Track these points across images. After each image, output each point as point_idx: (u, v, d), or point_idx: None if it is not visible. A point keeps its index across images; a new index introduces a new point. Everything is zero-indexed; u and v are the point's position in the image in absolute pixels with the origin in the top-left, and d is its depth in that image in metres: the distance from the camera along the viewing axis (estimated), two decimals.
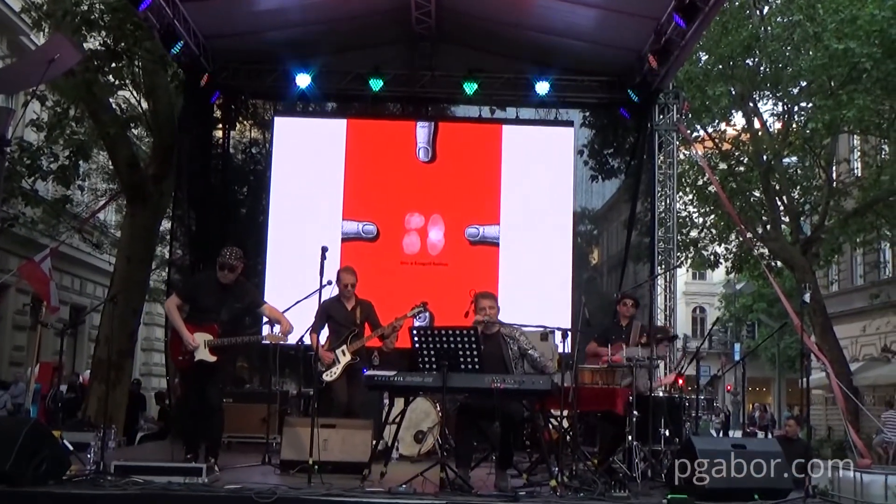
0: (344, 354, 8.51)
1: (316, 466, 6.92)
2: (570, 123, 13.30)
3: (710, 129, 20.54)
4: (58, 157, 14.64)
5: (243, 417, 10.60)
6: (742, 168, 20.87)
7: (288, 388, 12.47)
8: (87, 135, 14.87)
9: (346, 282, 8.66)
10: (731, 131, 21.12)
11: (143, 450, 11.79)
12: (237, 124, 14.30)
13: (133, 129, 15.88)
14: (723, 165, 20.70)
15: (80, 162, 14.99)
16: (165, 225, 16.42)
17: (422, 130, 12.90)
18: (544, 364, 7.47)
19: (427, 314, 10.92)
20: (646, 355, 8.01)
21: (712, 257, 22.40)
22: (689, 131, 16.64)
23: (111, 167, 16.55)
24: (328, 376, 8.42)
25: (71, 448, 7.49)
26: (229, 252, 7.74)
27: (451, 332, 6.94)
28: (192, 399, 7.91)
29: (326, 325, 8.67)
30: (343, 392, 8.46)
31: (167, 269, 14.42)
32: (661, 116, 12.89)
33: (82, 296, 21.51)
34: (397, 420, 8.26)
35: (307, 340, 8.58)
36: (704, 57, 18.95)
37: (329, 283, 8.05)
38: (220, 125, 13.69)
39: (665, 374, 9.01)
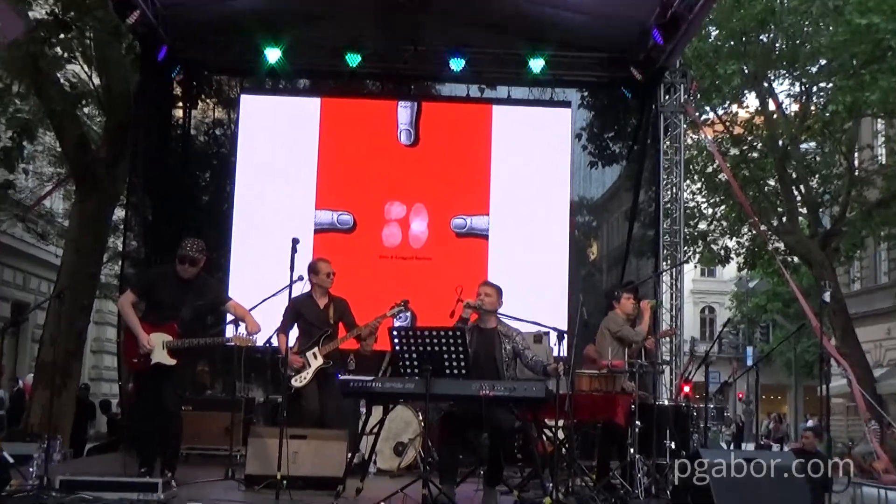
0: (315, 357, 8.48)
1: (284, 482, 6.91)
2: (566, 104, 13.30)
3: (720, 111, 20.59)
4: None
5: (204, 427, 10.54)
6: (755, 154, 20.93)
7: (254, 394, 12.42)
8: (33, 113, 14.75)
9: (328, 270, 8.64)
10: (743, 114, 21.18)
11: (92, 463, 11.70)
12: (199, 102, 14.19)
13: (83, 108, 15.76)
14: (734, 151, 20.76)
15: (25, 143, 14.85)
16: (118, 213, 16.30)
17: (403, 111, 12.87)
18: (541, 364, 7.45)
19: (409, 313, 10.91)
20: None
21: (723, 252, 22.46)
22: (697, 113, 16.65)
23: (59, 149, 16.42)
24: (297, 382, 8.39)
25: (11, 461, 7.41)
26: (190, 243, 7.72)
27: (435, 333, 6.94)
28: (147, 406, 7.87)
29: (296, 325, 8.64)
30: (314, 399, 8.43)
31: (120, 263, 14.29)
32: (667, 97, 12.88)
33: (25, 291, 21.39)
34: (375, 430, 8.24)
35: (275, 342, 8.56)
36: (715, 32, 18.98)
37: (300, 278, 8.03)
38: (180, 103, 13.58)
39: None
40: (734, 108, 20.93)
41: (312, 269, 8.64)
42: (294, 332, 8.64)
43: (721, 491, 6.38)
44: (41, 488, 6.63)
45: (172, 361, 7.64)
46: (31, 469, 7.33)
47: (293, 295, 7.96)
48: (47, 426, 9.82)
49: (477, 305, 7.48)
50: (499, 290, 7.71)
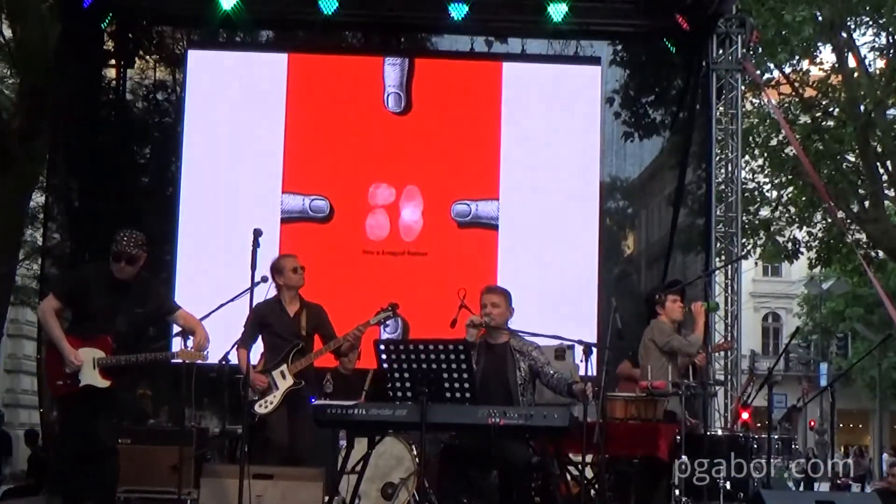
0: (283, 377, 8.50)
1: None
2: (595, 61, 13.34)
3: (787, 69, 20.60)
4: None
5: (146, 464, 10.54)
6: (831, 122, 20.95)
7: (207, 424, 12.48)
8: None
9: (294, 264, 8.66)
10: (816, 72, 21.19)
11: None
12: (136, 60, 14.23)
13: None
14: (805, 119, 20.78)
15: None
16: (37, 199, 16.35)
17: (392, 69, 12.89)
18: (566, 382, 7.48)
19: (398, 321, 10.95)
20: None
21: (790, 245, 22.50)
22: (758, 72, 16.67)
23: None
24: (262, 408, 8.41)
25: None
26: (127, 237, 7.71)
27: (432, 347, 6.96)
28: (75, 439, 7.89)
29: (260, 338, 8.67)
30: (283, 430, 8.46)
31: (40, 260, 14.36)
32: (721, 51, 12.90)
33: None
34: (358, 469, 8.27)
35: (233, 359, 8.59)
36: None
37: (264, 279, 8.06)
38: (113, 61, 13.61)
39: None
40: (805, 64, 20.93)
41: (275, 269, 8.63)
42: (258, 347, 8.67)
43: None
44: None
45: (106, 383, 7.65)
46: None
47: (256, 300, 7.99)
48: None
49: (484, 323, 7.49)
50: (507, 297, 7.72)
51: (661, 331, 9.01)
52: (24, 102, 14.07)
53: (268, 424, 8.45)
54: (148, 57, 14.55)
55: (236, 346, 8.54)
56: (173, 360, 8.10)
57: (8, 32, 14.52)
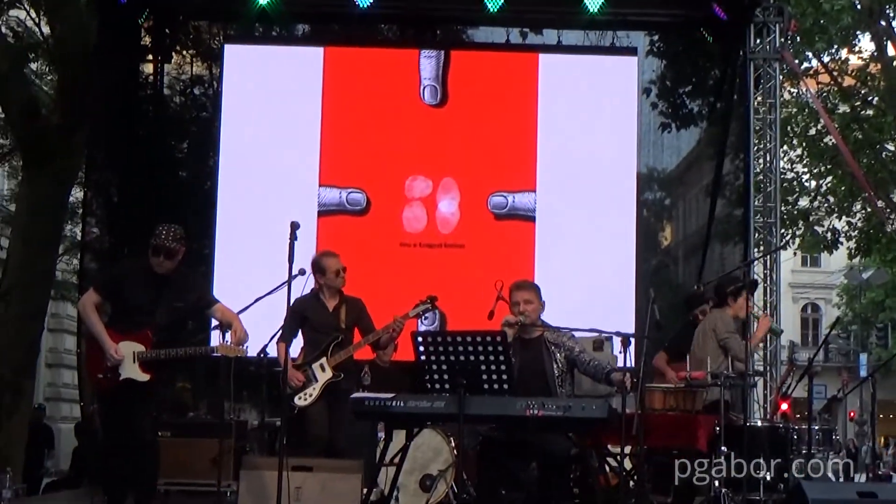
0: (323, 370, 8.55)
1: None
2: (632, 51, 13.27)
3: (826, 58, 20.46)
4: None
5: (186, 457, 10.61)
6: (871, 112, 20.79)
7: (247, 416, 12.52)
8: None
9: (337, 267, 8.71)
10: (855, 60, 21.03)
11: (51, 501, 11.86)
12: (174, 55, 14.29)
13: (31, 63, 15.90)
14: (844, 108, 20.63)
15: None
16: (76, 195, 16.45)
17: (427, 62, 12.88)
18: (603, 369, 7.46)
19: (436, 314, 10.98)
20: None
21: (829, 235, 22.36)
22: (797, 61, 16.57)
23: (1, 115, 16.58)
24: (301, 400, 8.46)
25: None
26: (165, 231, 7.76)
27: (470, 338, 6.96)
28: (115, 432, 7.95)
29: (300, 332, 8.70)
30: (322, 422, 8.50)
31: (80, 255, 14.45)
32: (759, 41, 12.81)
33: None
34: (397, 461, 8.29)
35: (273, 353, 8.62)
36: None
37: (302, 272, 8.09)
38: (150, 56, 13.67)
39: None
40: (843, 53, 20.79)
41: (317, 268, 8.70)
42: (298, 342, 8.71)
43: None
44: None
45: (146, 377, 7.70)
46: None
47: (293, 292, 8.02)
48: None
49: (519, 322, 7.47)
50: (537, 291, 7.71)
51: (725, 324, 8.96)
52: (63, 98, 14.14)
53: (307, 417, 8.50)
54: (185, 52, 14.61)
55: (276, 341, 8.58)
56: (213, 354, 8.14)
57: (46, 29, 14.59)
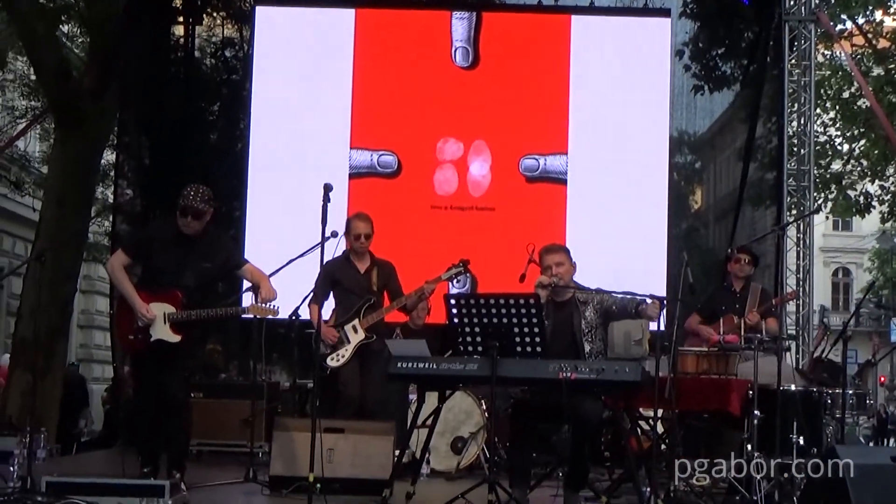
0: (355, 332, 8.56)
1: (318, 485, 6.96)
2: (665, 13, 13.13)
3: (860, 20, 20.22)
4: None
5: (218, 418, 10.70)
6: None
7: (278, 378, 12.57)
8: (0, 35, 14.90)
9: (359, 231, 8.71)
10: (890, 22, 20.78)
11: (85, 461, 11.93)
12: (204, 17, 14.27)
13: (63, 26, 15.89)
14: (878, 70, 20.40)
15: None
16: (109, 157, 16.48)
17: (459, 24, 12.80)
18: (634, 301, 7.39)
19: (468, 277, 10.93)
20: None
21: (862, 199, 22.18)
22: (832, 23, 16.39)
23: (33, 78, 16.59)
24: (334, 361, 8.48)
25: None
26: (193, 192, 7.71)
27: (503, 301, 6.93)
28: (147, 393, 7.97)
29: (331, 294, 8.70)
30: (354, 383, 8.52)
31: (111, 217, 14.50)
32: (794, 2, 12.71)
33: None
34: (429, 423, 8.28)
35: (304, 314, 8.62)
36: None
37: (334, 234, 8.06)
38: (182, 19, 13.66)
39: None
40: (878, 15, 20.54)
41: (346, 228, 8.69)
42: (329, 303, 8.70)
43: (863, 497, 6.33)
44: (24, 491, 6.78)
45: (177, 338, 7.70)
46: (11, 468, 7.49)
47: (325, 255, 8.01)
48: (29, 417, 9.98)
49: (553, 283, 7.42)
50: (568, 253, 7.65)
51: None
52: (95, 61, 14.12)
53: (339, 378, 8.53)
54: (216, 14, 14.61)
55: (308, 302, 8.58)
56: (244, 316, 8.15)
57: None
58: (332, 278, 8.59)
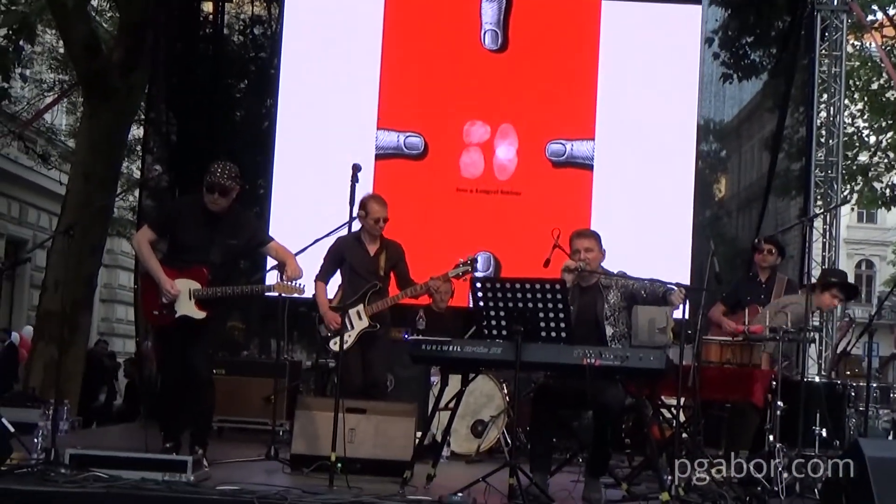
0: (359, 318, 8.58)
1: (339, 465, 6.98)
2: (696, 0, 13.09)
3: (892, 11, 20.07)
4: None
5: (240, 395, 10.72)
6: None
7: (300, 357, 12.58)
8: (31, 7, 14.92)
9: (379, 215, 8.69)
10: None
11: (108, 435, 12.01)
12: None
13: (93, 0, 15.91)
14: None
15: (21, 44, 15.07)
16: (136, 132, 16.52)
17: (489, 6, 12.76)
18: (661, 288, 7.35)
19: (491, 261, 10.95)
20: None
21: (888, 191, 22.07)
22: (864, 13, 16.28)
23: (62, 51, 16.63)
24: (336, 346, 8.46)
25: (11, 430, 7.61)
26: (220, 168, 7.68)
27: (528, 285, 6.90)
28: (171, 369, 7.99)
29: (339, 272, 8.69)
30: (356, 369, 8.59)
31: (138, 192, 14.54)
32: None
33: (22, 226, 21.83)
34: (451, 406, 8.28)
35: (309, 291, 8.59)
36: None
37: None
38: None
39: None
40: None
41: (362, 206, 8.61)
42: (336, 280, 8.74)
43: (886, 491, 6.29)
44: (48, 463, 6.79)
45: (202, 314, 7.70)
46: (35, 440, 7.51)
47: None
48: (53, 389, 10.03)
49: (579, 268, 7.39)
50: (598, 239, 7.59)
51: (797, 315, 8.89)
52: (124, 36, 14.14)
53: (342, 363, 8.52)
54: None
55: (314, 279, 8.59)
56: (268, 293, 8.16)
57: None
58: (341, 256, 8.60)
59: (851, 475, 6.48)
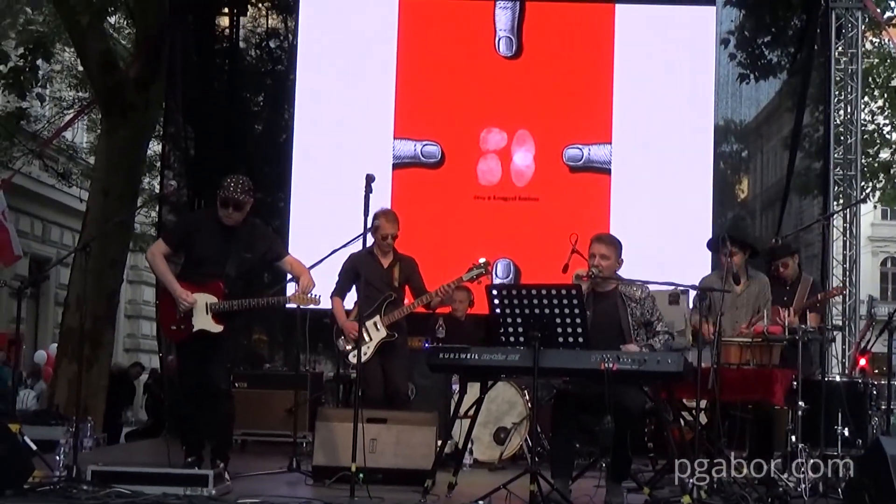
0: (377, 329, 8.58)
1: (361, 475, 7.00)
2: (710, 1, 13.15)
3: None
4: (8, 56, 14.82)
5: (262, 408, 10.76)
6: None
7: (322, 368, 12.60)
8: (48, 25, 15.03)
9: (386, 232, 8.71)
10: None
11: (130, 450, 12.05)
12: (249, 8, 14.34)
13: (109, 17, 16.01)
14: None
15: (40, 62, 15.16)
16: (154, 147, 16.60)
17: (503, 13, 12.80)
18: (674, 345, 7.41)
19: (511, 267, 10.96)
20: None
21: None
22: (879, 10, 16.21)
23: (80, 69, 16.72)
24: (355, 358, 8.47)
25: (34, 447, 7.67)
26: (233, 182, 7.66)
27: (545, 291, 6.92)
28: (190, 383, 8.01)
29: (354, 288, 8.72)
30: (377, 381, 8.59)
31: (158, 207, 14.60)
32: None
33: (44, 244, 21.96)
34: (471, 414, 8.29)
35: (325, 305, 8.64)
36: None
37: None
38: (226, 9, 13.72)
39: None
40: None
41: (374, 220, 8.62)
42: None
43: None
44: (70, 480, 6.82)
45: (219, 328, 7.68)
46: (57, 457, 7.56)
47: (366, 246, 8.03)
48: (75, 406, 10.08)
49: (591, 274, 7.38)
50: (617, 247, 7.56)
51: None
52: (140, 52, 14.24)
53: (362, 375, 8.53)
54: (260, 4, 14.67)
55: (330, 295, 8.62)
56: (287, 305, 8.18)
57: None
58: (355, 272, 8.59)
59: (874, 474, 6.46)
